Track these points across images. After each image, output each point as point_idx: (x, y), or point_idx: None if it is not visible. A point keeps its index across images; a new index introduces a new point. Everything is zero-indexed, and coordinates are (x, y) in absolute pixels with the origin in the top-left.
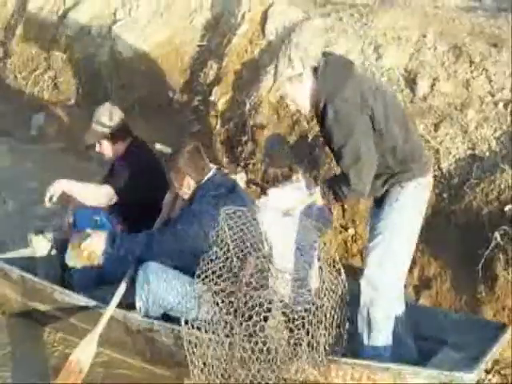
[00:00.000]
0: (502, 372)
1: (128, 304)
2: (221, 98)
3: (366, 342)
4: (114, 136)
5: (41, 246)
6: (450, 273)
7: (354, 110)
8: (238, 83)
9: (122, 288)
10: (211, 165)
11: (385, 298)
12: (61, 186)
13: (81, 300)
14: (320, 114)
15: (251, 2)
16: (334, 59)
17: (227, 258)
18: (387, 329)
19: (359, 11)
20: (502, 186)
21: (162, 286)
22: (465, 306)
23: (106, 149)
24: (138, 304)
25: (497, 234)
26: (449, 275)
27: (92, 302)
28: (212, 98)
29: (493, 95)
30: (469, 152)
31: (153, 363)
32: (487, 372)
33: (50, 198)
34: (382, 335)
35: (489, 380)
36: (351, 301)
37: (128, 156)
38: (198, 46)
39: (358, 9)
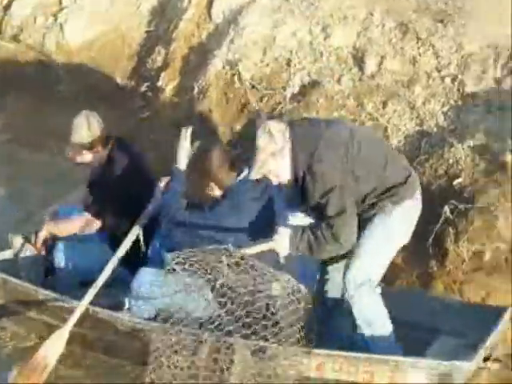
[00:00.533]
0: (502, 358)
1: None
2: (169, 83)
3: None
4: (94, 145)
5: (21, 246)
6: (400, 248)
7: (331, 170)
8: (185, 68)
9: (98, 285)
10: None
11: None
12: (47, 231)
13: (56, 298)
14: (299, 181)
15: None
16: (299, 127)
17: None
18: (383, 320)
19: None
20: (451, 161)
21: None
22: (417, 281)
23: (88, 158)
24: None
25: (446, 209)
26: (400, 250)
27: (68, 300)
28: (160, 84)
29: (439, 70)
30: (417, 128)
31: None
32: (486, 359)
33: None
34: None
35: (488, 367)
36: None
37: (111, 162)
38: (145, 31)
39: None
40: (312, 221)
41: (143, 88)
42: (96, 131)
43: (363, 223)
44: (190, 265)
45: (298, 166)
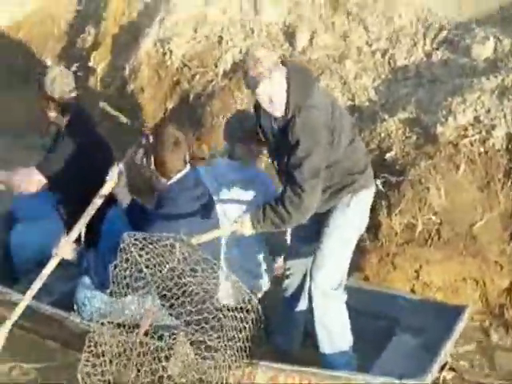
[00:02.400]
0: (455, 367)
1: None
2: (100, 62)
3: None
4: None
5: None
6: None
7: (322, 119)
8: (116, 47)
9: (43, 277)
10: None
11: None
12: None
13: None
14: (285, 122)
15: None
16: (295, 67)
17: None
18: (344, 332)
19: None
20: (383, 135)
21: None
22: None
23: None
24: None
25: (378, 182)
26: None
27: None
28: (91, 64)
29: (370, 45)
30: (349, 103)
31: None
32: (442, 368)
33: None
34: (340, 340)
35: (443, 378)
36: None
37: (72, 127)
38: (76, 11)
39: None
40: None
41: (73, 68)
42: (72, 85)
43: (321, 217)
44: (143, 246)
45: (289, 106)
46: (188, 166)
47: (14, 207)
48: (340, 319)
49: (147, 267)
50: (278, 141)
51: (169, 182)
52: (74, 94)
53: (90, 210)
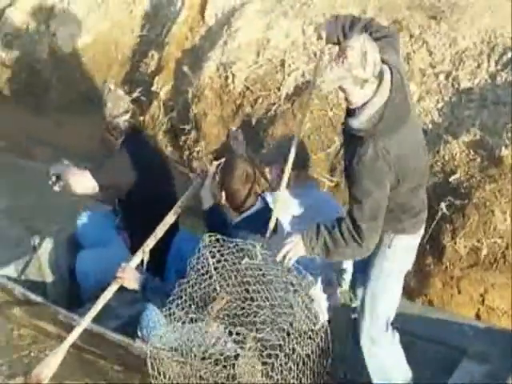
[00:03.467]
0: None
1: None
2: (163, 87)
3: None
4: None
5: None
6: None
7: (387, 167)
8: (179, 72)
9: (100, 304)
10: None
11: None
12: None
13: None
14: (351, 135)
15: None
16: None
17: (209, 285)
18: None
19: None
20: (446, 158)
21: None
22: (413, 279)
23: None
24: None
25: (443, 205)
26: None
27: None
28: (154, 88)
29: (434, 67)
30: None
31: None
32: None
33: (55, 180)
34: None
35: None
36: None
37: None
38: (138, 36)
39: None
40: None
41: (136, 93)
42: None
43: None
44: (221, 246)
45: (370, 116)
46: (260, 200)
47: (78, 233)
48: (394, 360)
49: (215, 269)
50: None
51: (239, 218)
52: (126, 117)
53: (159, 230)
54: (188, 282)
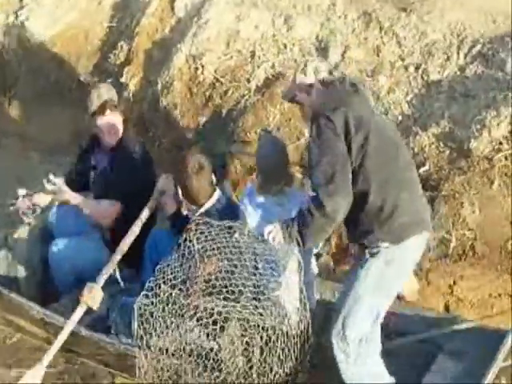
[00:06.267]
0: None
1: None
2: (132, 78)
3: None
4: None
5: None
6: None
7: (333, 133)
8: (149, 63)
9: (68, 328)
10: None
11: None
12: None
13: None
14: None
15: None
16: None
17: (189, 258)
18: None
19: None
20: (416, 150)
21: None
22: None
23: (118, 118)
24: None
25: None
26: None
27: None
28: (123, 79)
29: (403, 59)
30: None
31: None
32: None
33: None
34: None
35: None
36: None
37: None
38: (108, 27)
39: None
40: None
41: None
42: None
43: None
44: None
45: (315, 110)
46: (218, 192)
47: (50, 222)
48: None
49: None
50: None
51: (200, 210)
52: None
53: (136, 227)
54: (173, 259)
